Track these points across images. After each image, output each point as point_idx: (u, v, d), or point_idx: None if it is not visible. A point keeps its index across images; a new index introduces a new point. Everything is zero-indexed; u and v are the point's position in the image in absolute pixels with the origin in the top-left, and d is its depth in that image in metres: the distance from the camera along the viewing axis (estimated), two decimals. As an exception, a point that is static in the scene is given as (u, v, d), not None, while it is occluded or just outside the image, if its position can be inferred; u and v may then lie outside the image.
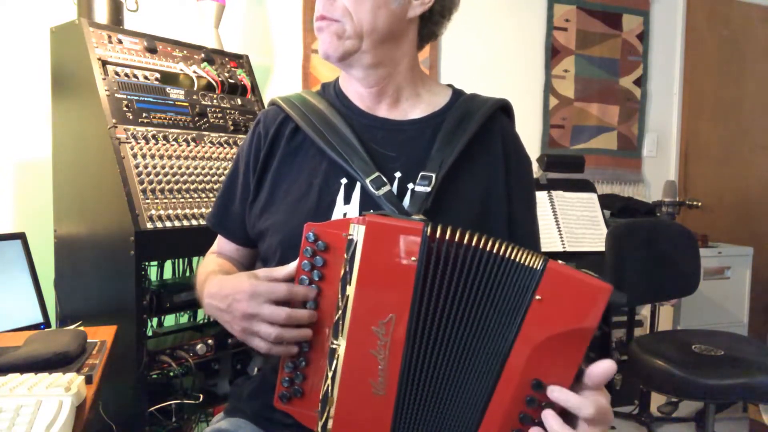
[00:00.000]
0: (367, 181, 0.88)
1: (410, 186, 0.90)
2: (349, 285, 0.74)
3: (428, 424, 0.75)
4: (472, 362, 0.73)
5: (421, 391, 0.74)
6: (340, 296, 0.75)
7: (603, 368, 0.66)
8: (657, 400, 2.67)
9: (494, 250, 0.71)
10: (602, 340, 2.52)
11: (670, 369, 1.88)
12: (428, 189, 0.87)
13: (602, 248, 2.25)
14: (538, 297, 0.68)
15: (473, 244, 0.72)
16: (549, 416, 0.67)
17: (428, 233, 0.72)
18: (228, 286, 0.83)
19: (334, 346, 0.75)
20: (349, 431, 0.76)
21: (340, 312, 0.75)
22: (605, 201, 2.71)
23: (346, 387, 0.75)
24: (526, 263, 0.70)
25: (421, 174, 0.89)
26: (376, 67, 0.93)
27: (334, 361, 0.75)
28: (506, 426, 0.70)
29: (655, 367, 1.92)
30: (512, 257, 0.70)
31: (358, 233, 0.74)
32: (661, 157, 3.30)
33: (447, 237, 0.72)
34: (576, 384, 0.68)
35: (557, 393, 0.66)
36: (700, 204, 2.96)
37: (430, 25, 0.96)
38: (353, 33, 0.88)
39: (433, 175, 0.88)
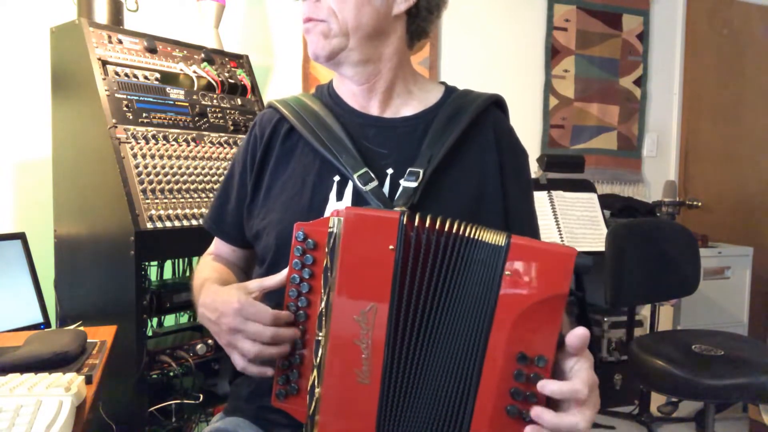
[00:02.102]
0: (355, 176, 0.89)
1: (401, 182, 0.90)
2: (331, 277, 0.75)
3: (415, 411, 0.75)
4: (455, 346, 0.74)
5: (405, 378, 0.75)
6: (323, 289, 0.76)
7: (578, 335, 0.68)
8: (657, 400, 2.67)
9: (461, 233, 0.73)
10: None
11: (670, 369, 1.88)
12: (415, 184, 0.88)
13: (602, 248, 2.25)
14: (507, 273, 0.70)
15: (445, 229, 0.74)
16: (541, 412, 0.67)
17: (404, 222, 0.73)
18: (219, 300, 0.83)
19: (318, 338, 0.76)
20: (336, 420, 0.77)
21: (323, 304, 0.76)
22: (605, 201, 2.71)
23: (332, 377, 0.76)
24: (491, 241, 0.72)
25: (409, 170, 0.90)
26: (365, 64, 0.94)
27: (319, 352, 0.76)
28: (500, 403, 0.71)
29: (655, 367, 1.92)
30: (477, 237, 0.72)
31: (337, 225, 0.75)
32: (661, 157, 3.30)
33: (426, 225, 0.73)
34: (558, 351, 0.69)
35: (550, 386, 0.67)
36: (700, 204, 2.96)
37: (418, 22, 0.96)
38: (339, 31, 0.90)
39: (421, 171, 0.89)
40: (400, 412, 0.76)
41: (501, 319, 0.70)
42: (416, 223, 0.73)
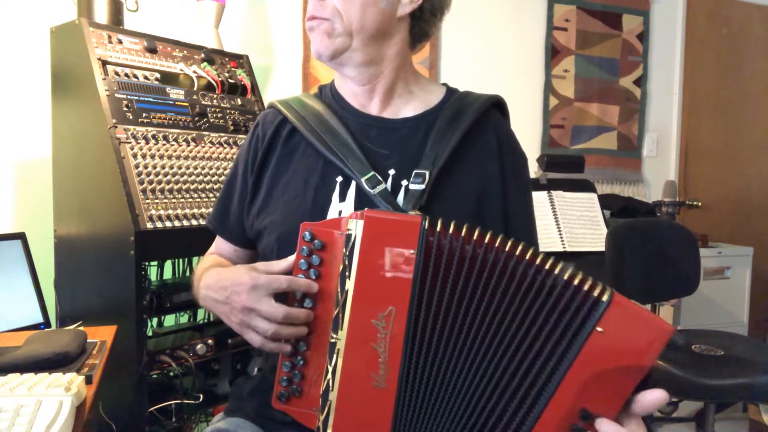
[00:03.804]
0: (363, 180, 0.89)
1: (404, 183, 0.91)
2: (348, 279, 0.75)
3: (435, 420, 0.75)
4: (493, 367, 0.72)
5: (422, 384, 0.74)
6: (339, 291, 0.76)
7: (655, 398, 0.67)
8: (657, 400, 2.66)
9: (549, 269, 0.70)
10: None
11: (670, 369, 1.88)
12: (422, 186, 0.88)
13: (602, 248, 2.25)
14: (599, 329, 0.67)
15: (496, 245, 0.71)
16: None
17: (426, 227, 0.73)
18: (226, 278, 0.84)
19: (334, 341, 0.76)
20: (350, 424, 0.76)
21: (339, 306, 0.75)
22: (605, 201, 2.71)
23: (347, 380, 0.75)
24: (592, 292, 0.68)
25: (414, 172, 0.90)
26: (368, 65, 0.94)
27: (335, 355, 0.76)
28: None
29: (655, 367, 1.92)
30: (574, 283, 0.69)
31: (356, 228, 0.75)
32: (661, 157, 3.30)
33: (450, 232, 0.72)
34: (621, 412, 0.68)
35: (606, 426, 0.66)
36: (700, 204, 2.96)
37: (421, 24, 0.97)
38: (343, 31, 0.90)
39: (427, 173, 0.89)
40: (417, 418, 0.75)
41: (578, 370, 0.68)
42: (438, 229, 0.73)
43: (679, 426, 2.63)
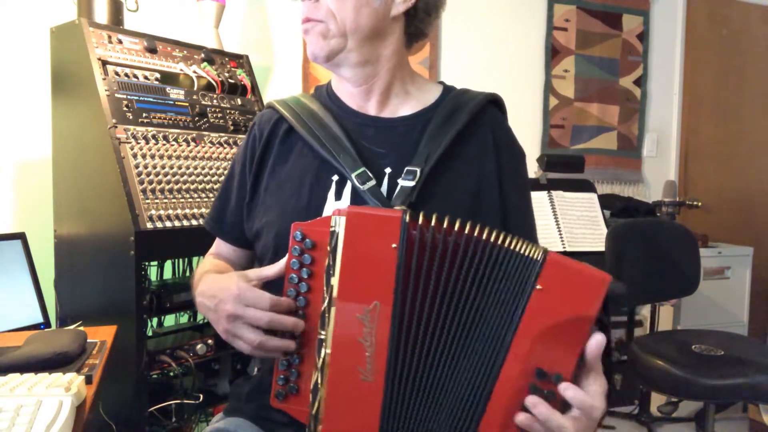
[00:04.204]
0: (353, 175, 0.89)
1: (400, 181, 0.91)
2: (333, 276, 0.75)
3: (421, 410, 0.76)
4: (467, 349, 0.74)
5: (410, 376, 0.75)
6: (325, 287, 0.76)
7: (595, 342, 0.69)
8: (657, 400, 2.67)
9: (491, 240, 0.73)
10: (602, 332, 2.52)
11: (670, 369, 1.88)
12: (413, 183, 0.88)
13: (602, 248, 2.25)
14: (538, 287, 0.70)
15: (465, 232, 0.73)
16: (537, 402, 0.69)
17: (407, 220, 0.73)
18: (217, 286, 0.84)
19: (321, 337, 0.76)
20: (339, 419, 0.77)
21: (325, 303, 0.76)
22: (605, 201, 2.71)
23: (335, 376, 0.76)
24: (526, 253, 0.72)
25: (406, 169, 0.90)
26: (363, 65, 0.94)
27: (322, 351, 0.76)
28: (511, 413, 0.71)
29: (655, 367, 1.92)
30: (511, 247, 0.72)
31: (339, 225, 0.75)
32: (661, 157, 3.30)
33: (432, 224, 0.73)
34: (576, 370, 0.70)
35: (571, 391, 0.68)
36: (700, 204, 2.96)
37: (416, 23, 0.97)
38: (338, 32, 0.90)
39: (418, 170, 0.89)
40: (405, 410, 0.76)
41: (524, 332, 0.71)
42: (420, 222, 0.73)
43: (679, 426, 2.63)
